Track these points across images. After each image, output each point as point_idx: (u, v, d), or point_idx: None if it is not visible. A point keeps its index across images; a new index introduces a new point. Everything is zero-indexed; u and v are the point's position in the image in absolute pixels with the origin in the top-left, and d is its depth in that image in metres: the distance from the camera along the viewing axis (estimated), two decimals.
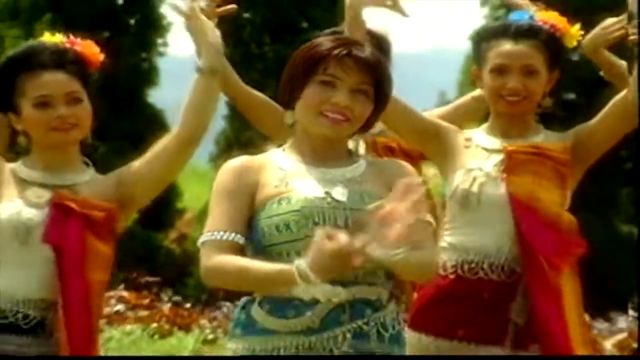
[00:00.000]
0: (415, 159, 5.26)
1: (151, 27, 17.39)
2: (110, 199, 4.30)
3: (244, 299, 4.04)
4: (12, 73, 4.32)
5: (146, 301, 12.02)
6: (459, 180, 4.89)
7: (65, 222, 4.24)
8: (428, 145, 4.99)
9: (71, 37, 4.43)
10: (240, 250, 3.96)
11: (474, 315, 4.80)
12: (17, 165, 4.38)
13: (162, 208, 16.78)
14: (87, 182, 4.34)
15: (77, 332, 4.21)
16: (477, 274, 4.85)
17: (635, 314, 12.82)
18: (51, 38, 4.42)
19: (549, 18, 5.04)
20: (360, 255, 3.64)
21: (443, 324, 4.77)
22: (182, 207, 17.64)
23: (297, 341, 3.90)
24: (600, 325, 11.81)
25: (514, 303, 4.85)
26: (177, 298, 13.21)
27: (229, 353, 4.06)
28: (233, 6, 4.68)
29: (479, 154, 4.95)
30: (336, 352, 3.88)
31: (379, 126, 4.82)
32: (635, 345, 10.84)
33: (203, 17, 4.34)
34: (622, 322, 12.43)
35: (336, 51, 3.97)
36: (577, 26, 5.08)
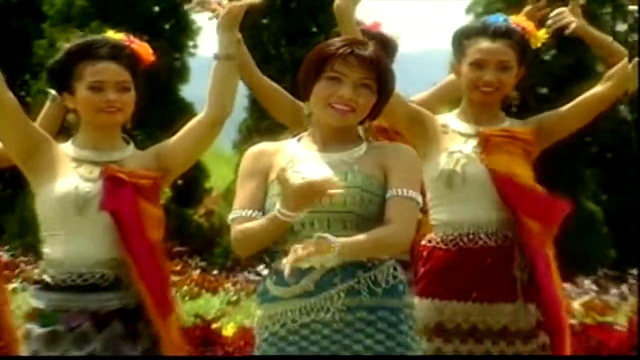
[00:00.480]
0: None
1: (183, 32, 17.36)
2: (152, 169, 4.33)
3: (264, 274, 4.06)
4: (74, 59, 4.33)
5: (178, 268, 12.02)
6: (443, 162, 4.89)
7: (118, 191, 4.24)
8: (413, 130, 4.96)
9: (130, 36, 4.46)
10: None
11: (482, 278, 4.79)
12: (67, 146, 4.37)
13: (192, 187, 16.78)
14: (130, 157, 4.34)
15: (153, 282, 4.25)
16: (477, 244, 4.83)
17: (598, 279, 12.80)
18: (114, 35, 4.45)
19: (520, 21, 5.06)
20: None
21: (455, 289, 4.74)
22: (210, 187, 17.62)
23: (298, 304, 3.91)
24: (569, 287, 11.78)
25: (514, 263, 4.85)
26: (204, 265, 13.20)
27: (253, 315, 4.10)
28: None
29: (457, 138, 4.95)
30: (332, 310, 3.89)
31: None
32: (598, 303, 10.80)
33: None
34: (587, 284, 12.39)
35: (340, 50, 3.97)
36: (543, 30, 5.09)
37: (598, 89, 5.05)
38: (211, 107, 4.31)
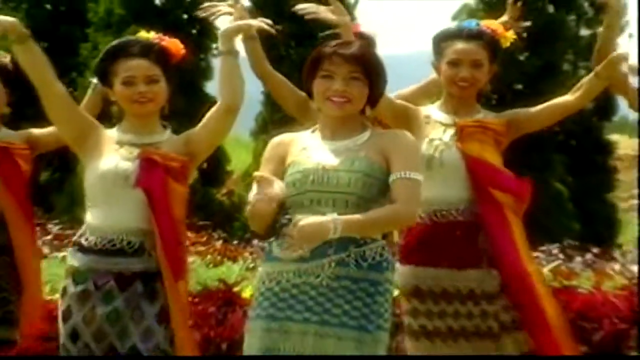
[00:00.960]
0: None
1: (207, 36, 17.29)
2: (182, 153, 4.37)
3: (272, 238, 4.07)
4: (111, 58, 4.40)
5: (203, 239, 11.99)
6: (424, 148, 4.89)
7: (151, 171, 4.30)
8: (398, 124, 4.96)
9: (161, 35, 4.51)
10: None
11: (452, 248, 4.81)
12: (113, 131, 4.43)
13: (216, 170, 16.76)
14: (165, 140, 4.41)
15: (171, 251, 4.29)
16: (448, 218, 4.85)
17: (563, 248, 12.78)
18: (146, 35, 4.50)
19: (491, 25, 5.08)
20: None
21: (430, 257, 4.76)
22: (230, 170, 17.59)
23: (294, 267, 3.96)
24: (540, 255, 11.76)
25: (480, 236, 4.84)
26: (226, 236, 13.18)
27: (257, 275, 4.18)
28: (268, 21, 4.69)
29: (437, 127, 4.98)
30: (322, 276, 3.92)
31: None
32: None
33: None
34: (555, 252, 12.37)
35: (327, 52, 4.04)
36: (511, 31, 5.09)
37: (568, 98, 5.04)
38: (223, 97, 4.38)
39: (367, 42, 4.17)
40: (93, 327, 4.23)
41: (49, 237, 10.95)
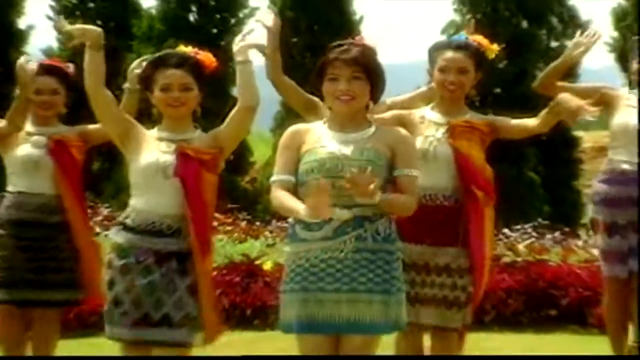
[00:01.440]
0: None
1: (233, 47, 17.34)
2: (211, 147, 4.37)
3: (291, 220, 4.07)
4: (152, 67, 4.41)
5: (230, 220, 11.97)
6: (420, 143, 4.88)
7: (186, 163, 4.30)
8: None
9: (196, 49, 4.49)
10: (291, 185, 4.02)
11: (434, 228, 4.78)
12: (153, 130, 4.44)
13: (240, 161, 16.78)
14: (196, 137, 4.40)
15: (201, 231, 4.29)
16: (435, 202, 4.83)
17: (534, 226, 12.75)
18: (184, 49, 4.48)
19: (477, 39, 5.07)
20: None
21: (414, 235, 4.73)
22: (253, 160, 17.62)
23: (320, 245, 3.94)
24: (515, 233, 11.72)
25: (459, 220, 4.84)
26: (249, 218, 13.17)
27: (284, 254, 4.13)
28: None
29: (431, 126, 4.95)
30: (345, 251, 3.91)
31: None
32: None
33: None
34: (529, 230, 12.33)
35: (330, 58, 4.03)
36: (495, 45, 5.07)
37: (532, 122, 5.00)
38: (241, 99, 4.33)
39: (366, 46, 4.14)
40: (132, 295, 4.22)
41: (99, 218, 10.96)
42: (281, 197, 3.98)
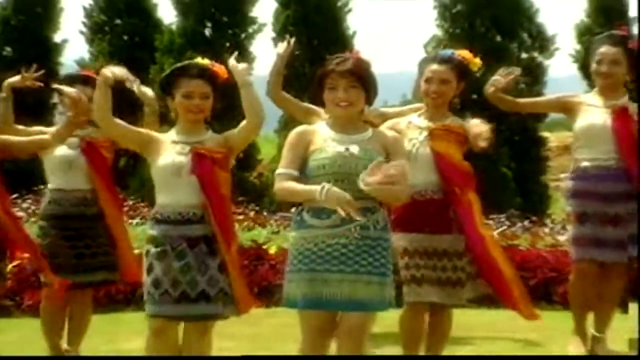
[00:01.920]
0: None
1: (244, 58, 17.14)
2: (222, 147, 4.36)
3: (297, 209, 4.06)
4: (175, 76, 4.40)
5: (240, 210, 12.00)
6: (405, 145, 4.87)
7: (201, 161, 4.30)
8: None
9: (212, 62, 4.49)
10: (296, 178, 4.00)
11: (430, 219, 4.78)
12: (170, 133, 4.43)
13: (249, 158, 16.76)
14: (209, 139, 4.39)
15: (222, 220, 4.30)
16: (426, 197, 4.83)
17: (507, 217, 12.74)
18: (202, 61, 4.47)
19: (462, 53, 5.05)
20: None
21: (415, 226, 4.72)
22: (260, 158, 17.59)
23: (328, 232, 3.93)
24: (489, 221, 11.74)
25: (449, 209, 4.84)
26: (257, 209, 13.18)
27: (290, 240, 4.11)
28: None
29: (415, 130, 4.95)
30: (350, 237, 3.91)
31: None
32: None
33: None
34: (502, 219, 12.35)
35: (328, 70, 4.03)
36: (478, 58, 5.06)
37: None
38: (247, 117, 4.33)
39: (359, 59, 4.13)
40: (170, 277, 4.22)
41: (125, 209, 10.97)
42: (291, 185, 3.98)
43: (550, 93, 5.67)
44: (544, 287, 8.13)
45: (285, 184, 3.99)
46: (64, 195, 5.60)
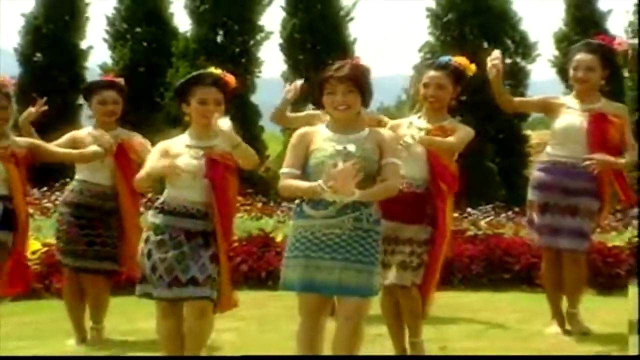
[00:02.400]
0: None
1: (252, 63, 17.34)
2: (230, 154, 4.33)
3: (297, 201, 4.04)
4: (191, 83, 4.39)
5: (249, 202, 12.00)
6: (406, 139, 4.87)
7: (214, 166, 4.30)
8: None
9: (224, 71, 4.47)
10: (298, 176, 3.98)
11: (407, 209, 4.72)
12: (184, 135, 4.41)
13: (258, 155, 16.71)
14: (219, 143, 4.35)
15: (225, 220, 4.30)
16: (410, 189, 4.78)
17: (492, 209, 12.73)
18: (215, 70, 4.46)
19: (459, 59, 5.00)
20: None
21: (392, 214, 4.65)
22: (267, 154, 17.55)
23: (323, 222, 3.91)
24: (477, 212, 11.72)
25: (427, 204, 4.81)
26: (265, 200, 13.17)
27: (291, 227, 4.09)
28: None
29: (415, 130, 4.91)
30: (344, 228, 3.89)
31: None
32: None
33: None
34: (488, 210, 12.35)
35: (327, 76, 4.01)
36: (473, 64, 5.00)
37: (452, 139, 4.88)
38: (242, 164, 4.31)
39: (355, 65, 4.11)
40: (166, 264, 4.22)
41: (144, 200, 10.95)
42: (294, 183, 3.97)
43: (532, 95, 5.68)
44: (526, 272, 8.12)
45: (288, 182, 3.98)
46: (87, 187, 5.63)
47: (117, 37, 18.61)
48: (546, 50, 17.75)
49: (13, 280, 5.10)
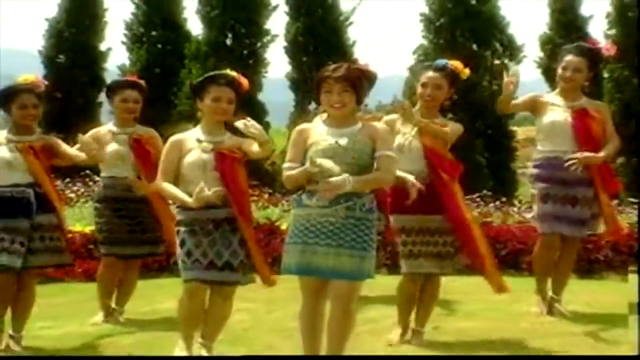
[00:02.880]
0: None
1: (259, 64, 17.28)
2: (238, 149, 4.36)
3: (299, 192, 4.04)
4: (207, 82, 4.39)
5: (256, 193, 12.00)
6: (399, 139, 4.86)
7: (223, 159, 4.31)
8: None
9: (236, 73, 4.47)
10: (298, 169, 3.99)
11: (424, 202, 4.72)
12: (196, 130, 4.42)
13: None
14: (227, 138, 4.39)
15: (242, 210, 4.34)
16: (425, 182, 4.78)
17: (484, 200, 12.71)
18: (230, 72, 4.46)
19: (454, 63, 5.00)
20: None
21: (412, 207, 4.67)
22: (273, 149, 17.49)
23: (319, 211, 3.92)
24: (467, 202, 11.75)
25: (437, 195, 4.80)
26: (271, 191, 13.17)
27: (292, 216, 4.11)
28: None
29: (409, 127, 4.91)
30: (337, 217, 3.90)
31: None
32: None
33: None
34: (478, 200, 12.37)
35: (324, 76, 4.01)
36: (467, 69, 5.01)
37: (447, 129, 4.91)
38: (258, 150, 4.33)
39: (350, 66, 4.10)
40: (200, 249, 4.25)
41: None
42: (295, 174, 3.97)
43: (519, 94, 5.68)
44: (513, 257, 8.14)
45: (291, 174, 4.00)
46: (115, 182, 5.68)
47: (134, 40, 18.58)
48: (532, 52, 17.75)
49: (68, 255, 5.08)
